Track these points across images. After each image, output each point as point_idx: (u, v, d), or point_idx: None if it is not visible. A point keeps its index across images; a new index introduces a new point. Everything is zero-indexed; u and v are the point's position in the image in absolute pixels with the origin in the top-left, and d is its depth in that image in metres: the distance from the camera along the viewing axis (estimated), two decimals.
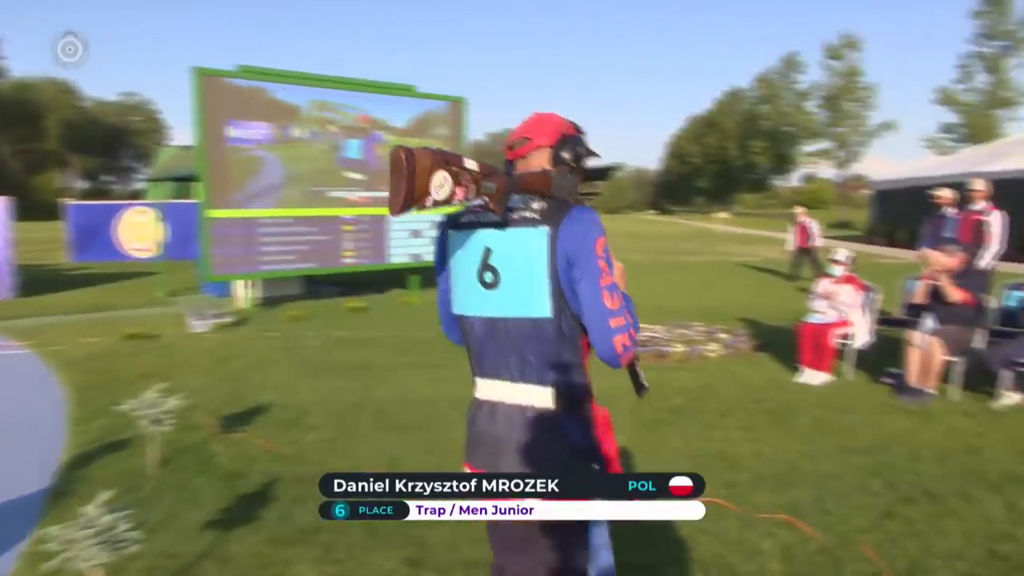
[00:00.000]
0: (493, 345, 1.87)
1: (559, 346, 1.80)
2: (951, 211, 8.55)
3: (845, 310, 6.62)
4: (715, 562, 3.28)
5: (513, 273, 1.80)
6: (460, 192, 1.66)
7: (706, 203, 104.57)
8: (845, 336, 6.58)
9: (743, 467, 4.43)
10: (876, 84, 58.56)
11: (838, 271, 6.81)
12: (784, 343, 7.63)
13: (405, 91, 12.39)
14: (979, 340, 6.16)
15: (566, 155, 1.88)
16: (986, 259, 7.62)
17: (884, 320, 7.29)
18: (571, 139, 1.90)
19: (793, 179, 79.78)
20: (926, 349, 5.86)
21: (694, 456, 4.62)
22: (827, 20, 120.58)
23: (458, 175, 1.65)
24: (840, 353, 6.63)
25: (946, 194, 8.70)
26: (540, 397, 1.82)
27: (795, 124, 64.91)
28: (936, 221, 8.66)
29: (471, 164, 1.69)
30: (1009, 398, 5.68)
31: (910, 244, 25.78)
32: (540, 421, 1.81)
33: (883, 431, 5.11)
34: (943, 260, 6.12)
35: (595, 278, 1.75)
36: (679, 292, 13.34)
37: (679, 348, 7.52)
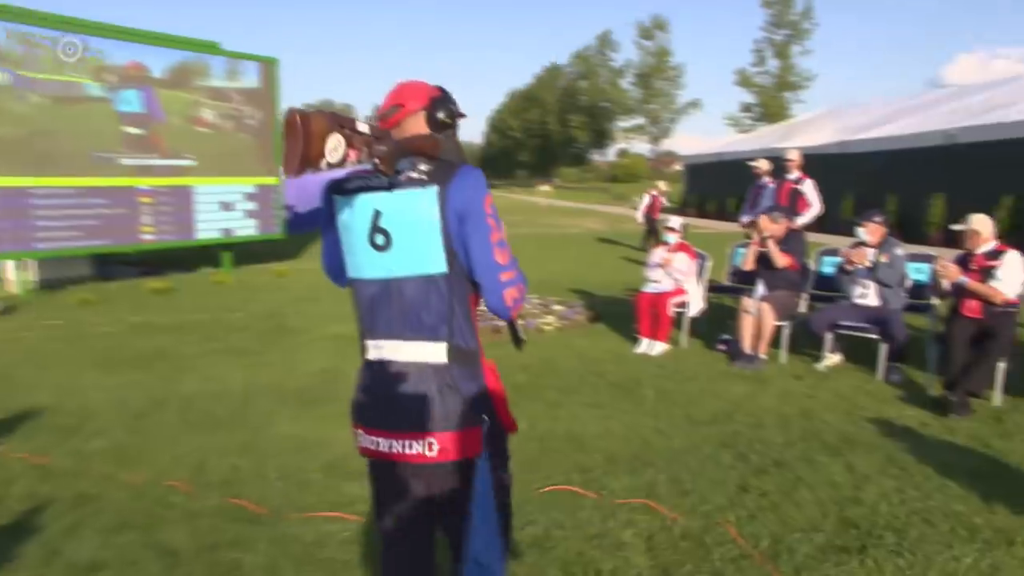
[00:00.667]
0: (387, 305, 1.89)
1: (451, 302, 1.84)
2: (768, 180, 8.92)
3: (680, 278, 6.61)
4: (576, 560, 2.95)
5: (405, 233, 1.83)
6: (353, 154, 1.75)
7: (528, 177, 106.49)
8: (681, 304, 6.58)
9: (594, 448, 4.17)
10: (683, 64, 62.12)
11: (672, 239, 6.79)
12: (620, 314, 7.59)
13: (209, 48, 11.13)
14: (803, 304, 6.36)
15: (441, 115, 1.91)
16: (804, 219, 8.01)
17: (714, 287, 7.41)
18: (441, 99, 1.93)
19: (610, 154, 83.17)
20: (758, 315, 5.94)
21: (543, 438, 4.29)
22: (639, 1, 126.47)
23: (351, 138, 1.74)
24: (675, 322, 6.62)
25: (763, 165, 9.05)
26: (435, 352, 1.86)
27: (611, 100, 67.47)
28: (755, 190, 9.00)
29: (363, 128, 1.77)
30: (830, 359, 5.89)
31: (720, 214, 27.57)
32: (436, 375, 1.85)
33: (725, 399, 5.08)
34: (772, 226, 6.22)
35: (486, 235, 1.82)
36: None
37: None
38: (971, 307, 5.04)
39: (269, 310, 8.43)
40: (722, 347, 6.41)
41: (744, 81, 49.73)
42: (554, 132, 79.19)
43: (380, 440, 1.90)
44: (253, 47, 19.11)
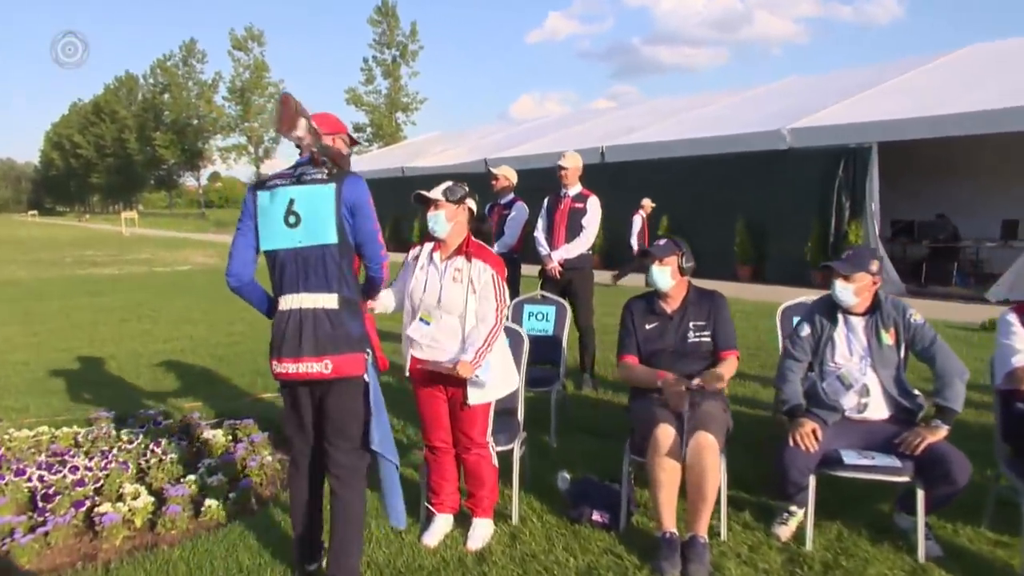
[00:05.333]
0: (294, 267, 2.61)
1: (341, 264, 2.63)
2: (513, 197, 6.16)
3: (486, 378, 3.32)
4: None
5: (310, 215, 2.60)
6: (309, 139, 2.63)
7: (104, 202, 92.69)
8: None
9: None
10: (283, 80, 58.01)
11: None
12: None
13: None
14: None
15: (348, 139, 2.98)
16: (573, 252, 5.55)
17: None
18: (349, 135, 2.99)
19: (205, 176, 75.07)
20: (692, 458, 2.99)
21: None
22: (230, 9, 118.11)
23: (311, 130, 2.63)
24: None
25: (511, 176, 6.25)
26: (329, 300, 2.61)
27: (202, 117, 60.43)
28: (499, 209, 6.12)
29: (317, 127, 2.68)
30: (789, 520, 3.22)
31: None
32: (329, 317, 2.60)
33: None
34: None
35: (372, 224, 2.68)
36: (120, 327, 8.47)
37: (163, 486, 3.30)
38: None
39: None
40: (599, 519, 3.33)
41: (355, 100, 47.45)
42: (134, 151, 68.59)
43: (289, 365, 2.59)
44: None
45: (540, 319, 4.78)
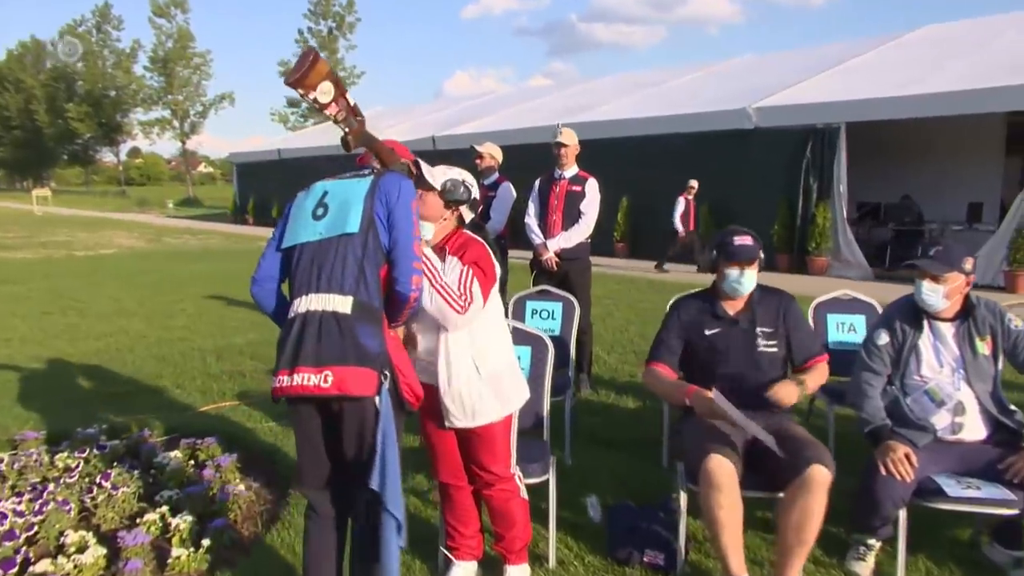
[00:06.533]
0: (309, 263, 2.24)
1: (363, 264, 2.20)
2: (498, 177, 5.62)
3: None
4: None
5: (339, 206, 2.28)
6: (333, 108, 2.31)
7: (9, 178, 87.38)
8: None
9: None
10: (209, 51, 55.36)
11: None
12: None
13: None
14: None
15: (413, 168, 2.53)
16: (572, 239, 5.07)
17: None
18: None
19: (124, 152, 71.20)
20: (801, 496, 2.51)
21: None
22: None
23: (339, 97, 2.31)
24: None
25: (495, 152, 5.70)
26: (342, 304, 2.16)
27: (121, 88, 57.18)
28: (481, 192, 5.53)
29: (351, 100, 2.36)
30: (867, 554, 2.82)
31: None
32: (339, 322, 2.14)
33: None
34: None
35: (410, 228, 2.25)
36: (41, 321, 7.52)
37: None
38: None
39: None
40: (650, 559, 2.85)
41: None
42: (44, 124, 64.42)
43: (284, 378, 2.13)
44: None
45: (546, 317, 4.26)
